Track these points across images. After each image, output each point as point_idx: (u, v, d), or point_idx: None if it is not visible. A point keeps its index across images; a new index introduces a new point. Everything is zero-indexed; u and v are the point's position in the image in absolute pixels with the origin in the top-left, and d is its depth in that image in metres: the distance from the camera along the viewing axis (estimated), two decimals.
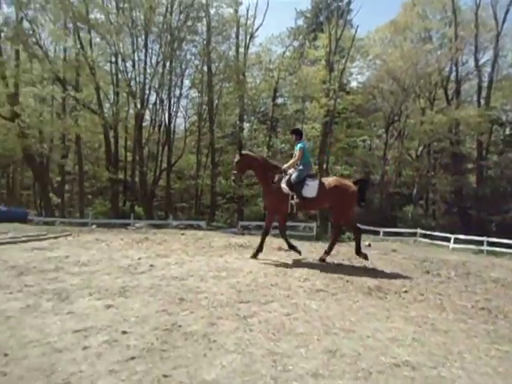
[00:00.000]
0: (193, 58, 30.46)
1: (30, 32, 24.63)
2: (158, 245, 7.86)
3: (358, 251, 6.58)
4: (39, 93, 24.43)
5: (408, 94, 30.69)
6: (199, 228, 20.35)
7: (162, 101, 28.06)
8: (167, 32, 25.97)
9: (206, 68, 28.86)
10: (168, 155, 28.68)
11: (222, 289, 4.54)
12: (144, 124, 27.78)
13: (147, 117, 28.62)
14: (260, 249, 6.57)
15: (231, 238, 9.97)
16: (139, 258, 6.17)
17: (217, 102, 29.16)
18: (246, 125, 33.30)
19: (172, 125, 29.75)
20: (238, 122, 30.49)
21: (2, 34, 24.30)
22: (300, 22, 37.17)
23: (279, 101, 33.88)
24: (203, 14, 27.61)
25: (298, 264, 6.18)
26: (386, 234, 22.46)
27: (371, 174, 33.73)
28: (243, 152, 6.85)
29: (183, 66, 29.51)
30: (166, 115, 28.80)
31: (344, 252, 7.73)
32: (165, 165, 28.98)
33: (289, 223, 25.16)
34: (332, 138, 29.60)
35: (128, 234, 10.25)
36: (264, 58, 31.66)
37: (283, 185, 6.42)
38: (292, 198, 6.36)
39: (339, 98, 28.53)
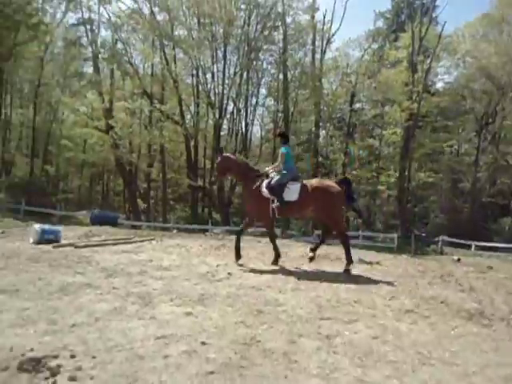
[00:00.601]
0: (269, 66, 31.06)
1: (123, 52, 27.19)
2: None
3: (348, 259, 6.01)
4: (130, 107, 26.78)
5: (505, 92, 27.59)
6: None
7: (239, 110, 28.92)
8: (245, 43, 26.74)
9: (281, 76, 29.08)
10: None
11: (302, 302, 4.31)
12: (222, 133, 28.77)
13: (225, 126, 29.73)
14: (277, 255, 6.50)
15: (308, 247, 9.66)
16: (217, 265, 6.21)
17: (292, 109, 29.11)
18: (322, 131, 32.74)
19: (249, 133, 30.52)
20: (313, 129, 30.08)
21: (100, 55, 27.17)
22: (379, 24, 35.71)
23: (357, 106, 32.74)
24: (279, 23, 27.92)
25: (382, 280, 5.70)
26: (479, 248, 20.18)
27: (460, 181, 30.87)
28: (224, 154, 6.78)
29: (259, 75, 30.15)
30: (243, 124, 29.68)
31: (434, 269, 7.00)
32: None
33: (366, 233, 24.05)
34: (415, 143, 27.75)
35: (206, 240, 10.50)
36: (341, 62, 30.93)
37: (263, 188, 6.14)
38: (273, 202, 6.04)
39: (423, 101, 26.63)
